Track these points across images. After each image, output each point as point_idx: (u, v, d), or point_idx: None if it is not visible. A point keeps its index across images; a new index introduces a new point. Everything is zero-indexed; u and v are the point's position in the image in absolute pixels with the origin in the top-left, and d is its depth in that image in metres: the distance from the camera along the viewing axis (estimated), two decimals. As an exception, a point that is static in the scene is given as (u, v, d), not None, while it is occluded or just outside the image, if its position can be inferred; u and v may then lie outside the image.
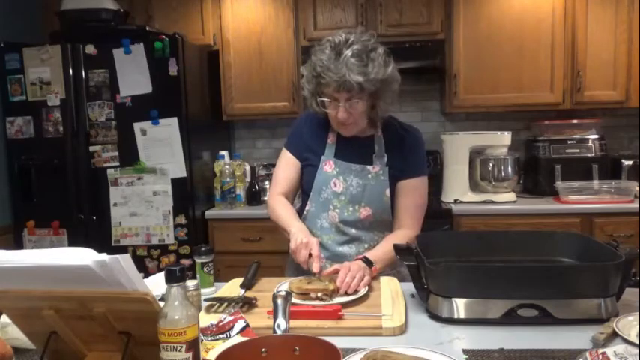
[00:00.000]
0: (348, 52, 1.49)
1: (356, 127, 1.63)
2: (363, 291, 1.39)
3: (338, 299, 1.35)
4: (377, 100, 1.58)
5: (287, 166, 1.75)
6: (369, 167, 1.66)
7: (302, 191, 1.78)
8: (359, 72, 1.48)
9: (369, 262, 1.51)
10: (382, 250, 1.60)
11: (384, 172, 1.66)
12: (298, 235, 1.52)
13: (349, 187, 1.66)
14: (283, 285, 1.43)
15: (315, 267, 1.46)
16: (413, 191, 1.68)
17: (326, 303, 1.32)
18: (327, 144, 1.70)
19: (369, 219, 1.67)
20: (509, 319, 1.22)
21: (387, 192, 1.66)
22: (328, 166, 1.68)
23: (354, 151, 1.68)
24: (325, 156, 1.69)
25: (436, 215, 2.87)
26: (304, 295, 1.35)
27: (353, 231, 1.68)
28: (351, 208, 1.66)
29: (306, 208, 1.72)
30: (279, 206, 1.69)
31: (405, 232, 1.63)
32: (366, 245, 1.68)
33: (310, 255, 1.48)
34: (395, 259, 1.55)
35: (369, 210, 1.66)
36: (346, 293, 1.37)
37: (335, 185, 1.67)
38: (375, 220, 1.68)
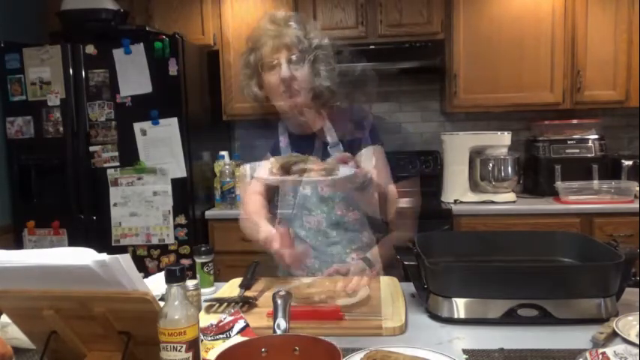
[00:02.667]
0: (285, 20, 1.54)
1: (299, 98, 1.57)
2: (363, 293, 1.39)
3: (339, 301, 1.34)
4: (316, 70, 1.55)
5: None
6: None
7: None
8: (297, 28, 1.52)
9: (369, 263, 1.50)
10: (381, 243, 1.58)
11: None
12: (266, 227, 1.49)
13: (316, 187, 1.60)
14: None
15: (275, 245, 1.41)
16: (369, 160, 1.55)
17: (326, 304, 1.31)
18: (281, 148, 1.69)
19: (345, 215, 1.62)
20: (509, 319, 1.22)
21: None
22: None
23: (307, 146, 1.62)
24: None
25: (436, 215, 2.88)
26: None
27: (334, 233, 1.63)
28: (325, 208, 1.62)
29: (279, 211, 1.69)
30: (251, 201, 1.71)
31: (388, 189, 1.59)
32: (352, 246, 1.63)
33: (281, 245, 1.42)
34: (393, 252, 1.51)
35: (342, 206, 1.61)
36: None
37: (304, 188, 1.62)
38: (356, 217, 1.63)
